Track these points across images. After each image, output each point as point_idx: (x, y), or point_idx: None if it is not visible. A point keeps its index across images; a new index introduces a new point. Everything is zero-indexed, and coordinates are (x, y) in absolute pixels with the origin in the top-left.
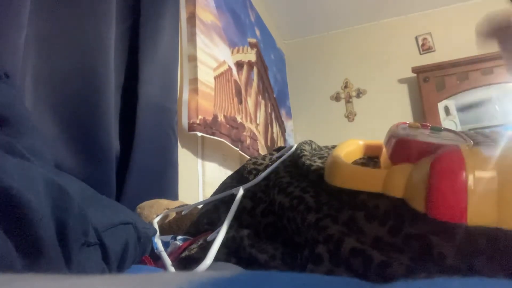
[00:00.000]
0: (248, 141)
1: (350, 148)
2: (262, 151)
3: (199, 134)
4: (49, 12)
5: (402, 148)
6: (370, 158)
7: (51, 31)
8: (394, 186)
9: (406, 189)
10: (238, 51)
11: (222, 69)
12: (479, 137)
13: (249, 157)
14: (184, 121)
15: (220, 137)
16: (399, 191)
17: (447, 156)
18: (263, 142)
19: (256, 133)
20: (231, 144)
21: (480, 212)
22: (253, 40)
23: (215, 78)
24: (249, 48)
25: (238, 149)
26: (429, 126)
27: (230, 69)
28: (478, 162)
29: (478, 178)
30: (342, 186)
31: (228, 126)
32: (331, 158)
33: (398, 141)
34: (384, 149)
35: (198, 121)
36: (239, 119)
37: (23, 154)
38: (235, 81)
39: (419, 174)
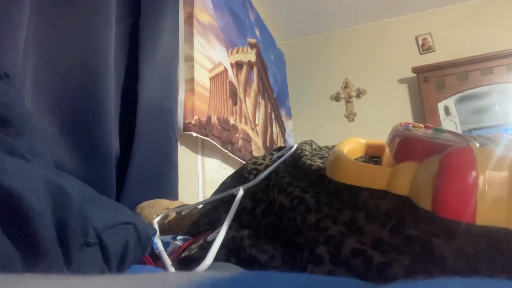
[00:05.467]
0: (240, 142)
1: (351, 146)
2: (256, 152)
3: (194, 134)
4: (49, 12)
5: (407, 147)
6: (371, 157)
7: (51, 31)
8: (399, 183)
9: (412, 187)
10: (237, 51)
11: (217, 71)
12: (482, 140)
13: (238, 158)
14: (180, 121)
15: (212, 139)
16: (404, 189)
17: (457, 153)
18: (260, 143)
19: (253, 134)
20: (221, 146)
21: (490, 211)
22: (253, 40)
23: (210, 79)
24: (248, 48)
25: (227, 151)
26: (432, 127)
27: (225, 70)
28: (489, 161)
29: (489, 176)
30: (344, 182)
31: (220, 128)
32: (333, 154)
33: (403, 140)
34: (387, 149)
35: (193, 122)
36: (231, 121)
37: (23, 154)
38: (231, 83)
39: (426, 172)
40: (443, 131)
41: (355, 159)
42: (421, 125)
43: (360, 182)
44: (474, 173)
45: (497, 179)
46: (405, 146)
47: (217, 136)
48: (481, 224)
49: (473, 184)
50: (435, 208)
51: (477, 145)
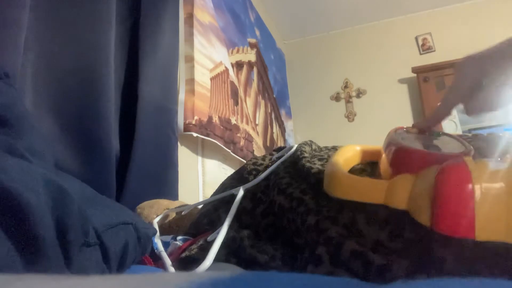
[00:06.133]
0: (242, 142)
1: (348, 155)
2: (258, 152)
3: (194, 134)
4: (49, 12)
5: (402, 157)
6: (368, 164)
7: (51, 31)
8: (397, 198)
9: (410, 202)
10: (238, 51)
11: (218, 70)
12: (478, 142)
13: (239, 158)
14: (180, 121)
15: (214, 139)
16: (402, 204)
17: (452, 169)
18: (260, 143)
19: (254, 134)
20: (224, 145)
21: (489, 226)
22: (253, 40)
23: (211, 79)
24: (249, 48)
25: (230, 150)
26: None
27: (226, 70)
28: (485, 175)
29: (486, 191)
30: (342, 197)
31: (222, 127)
32: (330, 167)
33: (398, 149)
34: (383, 155)
35: (194, 122)
36: (233, 121)
37: (23, 154)
38: (232, 82)
39: (422, 187)
40: (438, 134)
41: (353, 167)
42: (416, 129)
43: (357, 197)
44: (470, 189)
45: (493, 192)
46: (400, 156)
47: (220, 136)
48: (480, 240)
49: (470, 200)
50: (433, 225)
51: (471, 148)
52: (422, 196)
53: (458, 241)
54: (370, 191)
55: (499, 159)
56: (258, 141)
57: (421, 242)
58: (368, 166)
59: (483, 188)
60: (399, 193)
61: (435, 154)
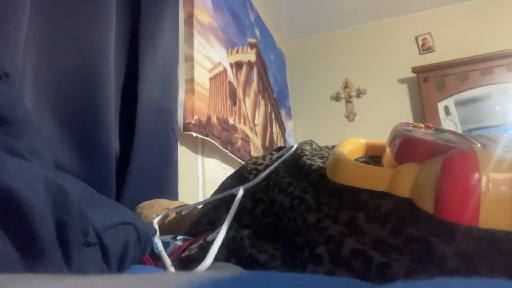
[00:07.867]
0: (239, 143)
1: (351, 146)
2: (255, 152)
3: (194, 134)
4: (49, 12)
5: (409, 148)
6: (371, 157)
7: (51, 31)
8: (401, 185)
9: (413, 189)
10: (237, 51)
11: (217, 71)
12: (483, 140)
13: (237, 158)
14: (180, 121)
15: (212, 139)
16: (405, 191)
17: (460, 155)
18: (259, 143)
19: (251, 134)
20: (221, 146)
21: (493, 214)
22: (252, 40)
23: (210, 79)
24: (248, 48)
25: (227, 151)
26: (432, 127)
27: (225, 70)
28: (492, 163)
29: (493, 179)
30: (345, 184)
31: (220, 128)
32: (334, 155)
33: (405, 140)
34: (387, 150)
35: (193, 122)
36: (231, 121)
37: (23, 154)
38: (230, 83)
39: (428, 174)
40: (443, 131)
41: (355, 159)
42: (422, 125)
43: (360, 184)
44: (477, 176)
45: (500, 182)
46: (407, 146)
47: (217, 136)
48: (484, 227)
49: (476, 187)
50: (437, 211)
51: (479, 145)
52: (427, 182)
53: (460, 237)
54: (373, 178)
55: (505, 149)
56: (256, 141)
57: (422, 238)
58: (371, 160)
59: (490, 175)
60: (403, 180)
61: (442, 144)
